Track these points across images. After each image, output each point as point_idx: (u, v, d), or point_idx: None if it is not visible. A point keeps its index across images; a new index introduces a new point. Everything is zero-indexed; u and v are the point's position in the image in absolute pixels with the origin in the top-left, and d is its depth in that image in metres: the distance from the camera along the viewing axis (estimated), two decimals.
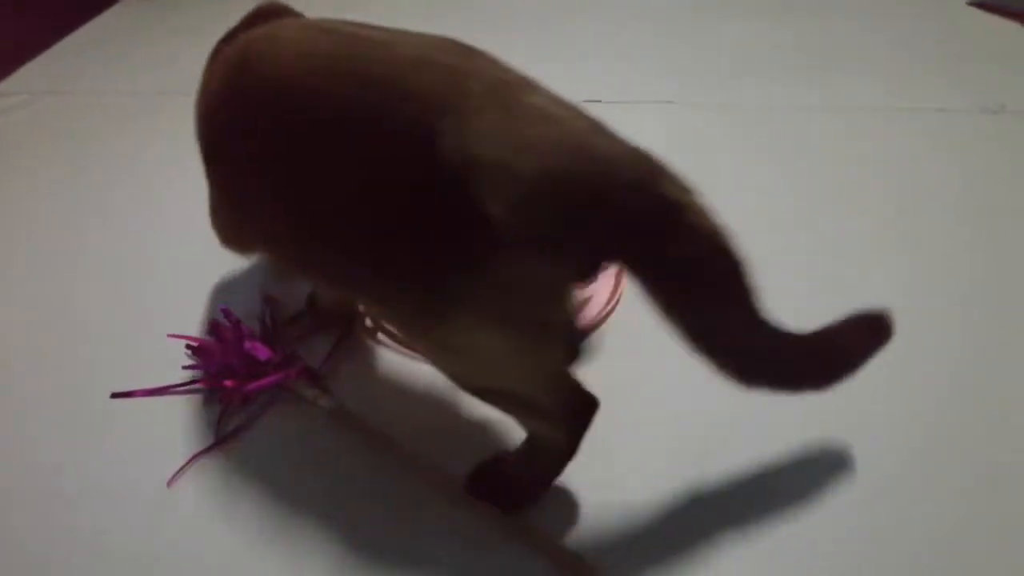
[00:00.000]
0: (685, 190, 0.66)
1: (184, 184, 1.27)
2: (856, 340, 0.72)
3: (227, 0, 1.19)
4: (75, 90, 1.65)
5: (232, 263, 1.10)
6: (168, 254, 1.15)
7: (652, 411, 0.88)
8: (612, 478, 0.80)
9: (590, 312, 0.98)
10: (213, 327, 0.95)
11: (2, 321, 1.06)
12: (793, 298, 1.02)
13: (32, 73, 1.76)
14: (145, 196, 1.29)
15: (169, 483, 0.81)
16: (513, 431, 0.80)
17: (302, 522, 0.77)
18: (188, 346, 0.93)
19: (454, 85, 0.62)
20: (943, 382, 0.90)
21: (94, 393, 0.91)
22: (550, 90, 0.67)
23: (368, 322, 0.98)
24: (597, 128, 0.66)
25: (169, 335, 0.95)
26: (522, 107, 0.63)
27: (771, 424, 0.84)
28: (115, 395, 0.90)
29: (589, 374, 0.90)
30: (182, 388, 0.90)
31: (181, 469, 0.82)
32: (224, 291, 1.05)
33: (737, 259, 0.66)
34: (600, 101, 1.52)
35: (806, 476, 0.80)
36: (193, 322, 0.99)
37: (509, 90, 0.64)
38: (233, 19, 0.86)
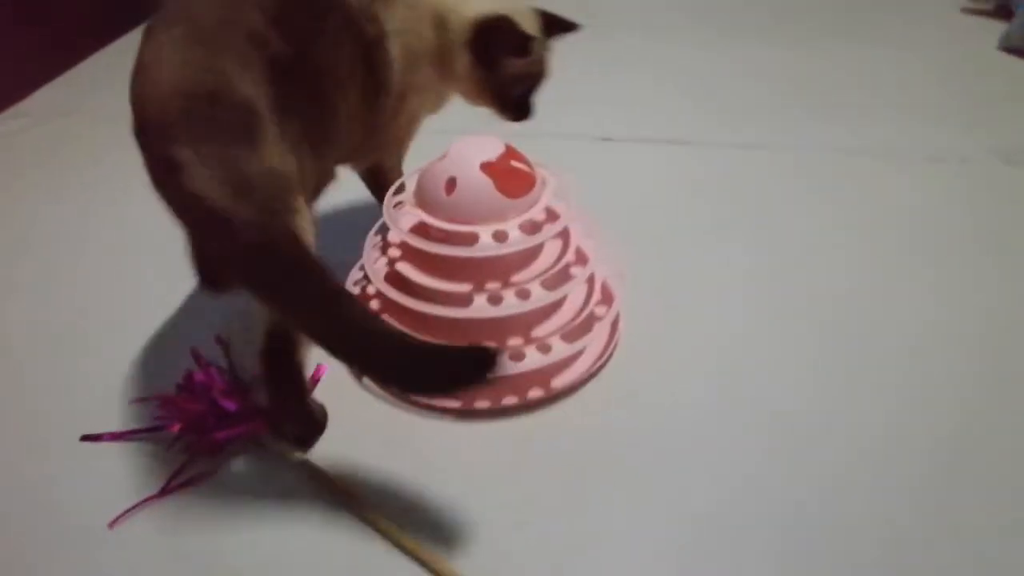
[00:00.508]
0: None
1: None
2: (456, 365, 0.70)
3: None
4: (87, 113, 1.65)
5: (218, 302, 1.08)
6: (155, 286, 1.12)
7: (647, 470, 0.84)
8: (596, 534, 0.76)
9: (581, 365, 0.94)
10: (184, 376, 0.91)
11: None
12: (803, 340, 0.99)
13: (48, 95, 1.77)
14: (142, 222, 1.27)
15: (111, 524, 0.78)
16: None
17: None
18: (166, 397, 0.90)
19: None
20: (956, 428, 0.87)
21: (68, 432, 0.88)
22: None
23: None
24: None
25: (136, 400, 0.92)
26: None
27: (762, 490, 0.79)
28: (84, 437, 0.87)
29: (577, 430, 0.87)
30: (150, 432, 0.87)
31: (126, 512, 0.79)
32: (202, 327, 1.02)
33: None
34: (612, 139, 1.50)
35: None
36: (171, 362, 0.96)
37: None
38: None
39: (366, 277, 0.94)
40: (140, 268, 1.17)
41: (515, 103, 1.02)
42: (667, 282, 1.11)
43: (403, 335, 0.72)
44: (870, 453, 0.85)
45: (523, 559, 0.75)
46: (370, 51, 0.90)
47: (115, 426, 0.88)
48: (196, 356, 0.94)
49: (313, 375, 0.94)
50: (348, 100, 0.88)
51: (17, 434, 0.91)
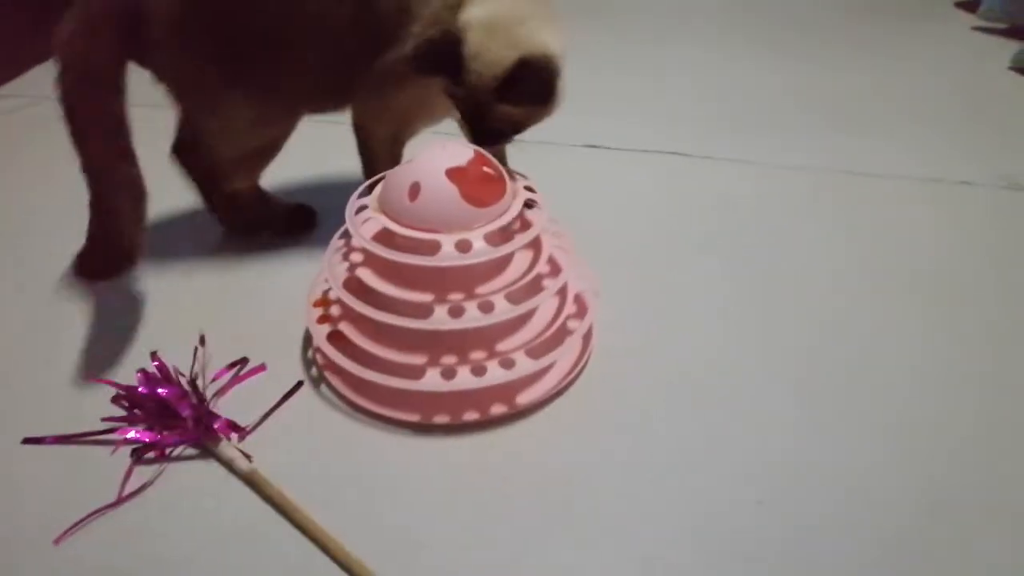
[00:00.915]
0: None
1: (164, 205, 1.26)
2: None
3: None
4: None
5: (181, 300, 1.06)
6: (125, 284, 1.08)
7: (609, 499, 0.80)
8: (546, 564, 0.73)
9: (549, 381, 0.90)
10: (140, 375, 0.89)
11: None
12: (787, 366, 0.96)
13: (41, 76, 1.73)
14: None
15: (56, 541, 0.74)
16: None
17: None
18: (116, 396, 0.88)
19: None
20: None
21: (9, 434, 0.85)
22: None
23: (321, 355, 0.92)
24: None
25: (90, 378, 0.89)
26: None
27: (730, 530, 0.75)
28: (26, 440, 0.84)
29: (540, 449, 0.84)
30: (95, 437, 0.84)
31: (74, 526, 0.75)
32: (162, 330, 0.99)
33: None
34: (602, 147, 1.46)
35: None
36: (125, 364, 0.93)
37: None
38: None
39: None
40: None
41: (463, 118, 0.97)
42: (646, 298, 1.07)
43: None
44: (855, 491, 0.80)
45: None
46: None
47: (59, 429, 0.85)
48: (154, 356, 0.92)
49: (249, 372, 0.93)
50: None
51: None
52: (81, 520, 0.76)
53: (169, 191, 1.28)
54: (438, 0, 0.94)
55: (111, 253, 0.96)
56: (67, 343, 0.98)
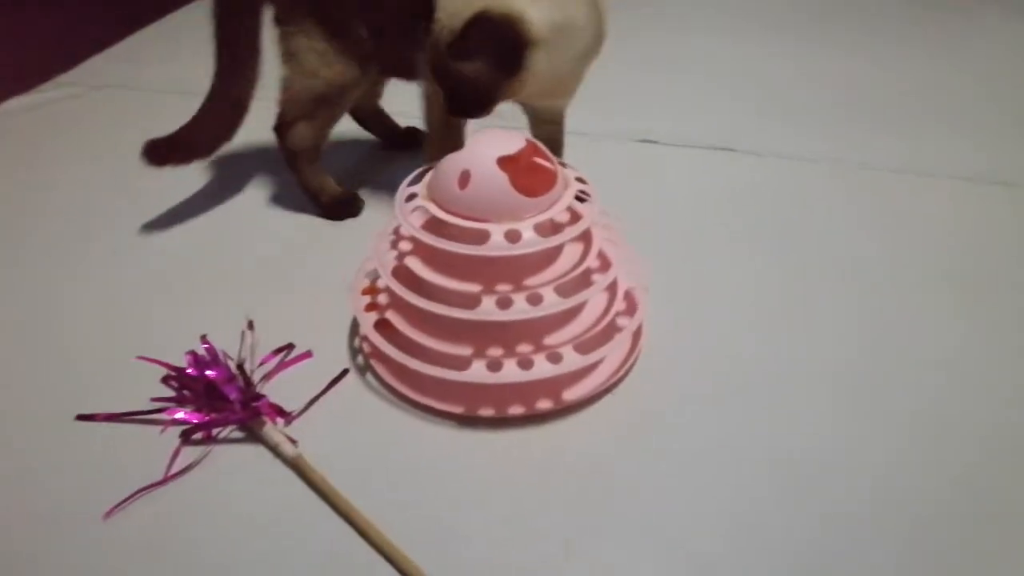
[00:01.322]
0: None
1: (217, 192, 1.28)
2: None
3: None
4: (133, 85, 1.65)
5: (230, 284, 1.07)
6: (177, 267, 1.11)
7: (653, 499, 0.78)
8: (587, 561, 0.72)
9: (596, 378, 0.88)
10: (189, 357, 0.90)
11: None
12: (837, 368, 0.94)
13: (96, 66, 1.77)
14: (166, 201, 1.27)
15: (105, 516, 0.75)
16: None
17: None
18: (166, 377, 0.89)
19: None
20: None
21: (62, 410, 0.86)
22: None
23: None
24: None
25: (139, 357, 0.90)
26: None
27: (775, 534, 0.73)
28: (79, 417, 0.86)
29: (585, 446, 0.83)
30: (144, 416, 0.85)
31: (122, 503, 0.76)
32: (210, 314, 1.00)
33: None
34: (656, 142, 1.43)
35: None
36: (174, 346, 0.93)
37: None
38: None
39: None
40: (168, 246, 1.16)
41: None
42: (696, 295, 1.04)
43: None
44: (902, 491, 0.78)
45: None
46: None
47: (111, 407, 0.86)
48: (204, 339, 0.93)
49: (296, 358, 0.93)
50: None
51: (10, 410, 0.89)
52: (129, 497, 0.77)
53: (223, 183, 1.31)
54: None
55: (190, 144, 1.16)
56: (121, 323, 1.00)
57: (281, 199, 1.26)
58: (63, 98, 1.61)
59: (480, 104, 0.95)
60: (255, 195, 1.27)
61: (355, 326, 0.96)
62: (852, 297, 1.05)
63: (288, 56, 1.12)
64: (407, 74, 1.12)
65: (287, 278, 1.08)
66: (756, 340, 0.97)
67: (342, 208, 1.22)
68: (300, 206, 1.23)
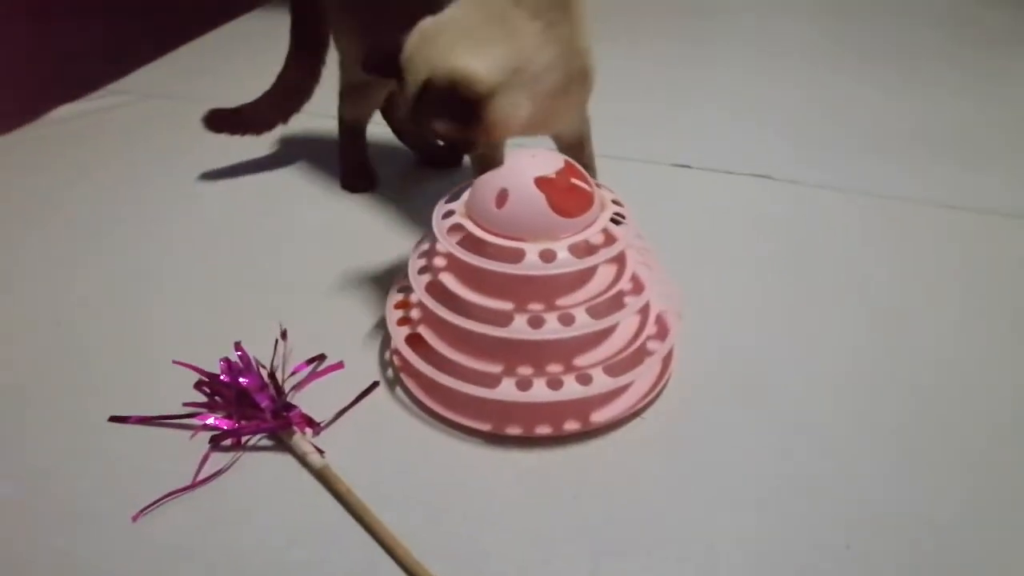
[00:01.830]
0: None
1: (261, 201, 1.31)
2: None
3: None
4: (182, 96, 1.68)
5: (265, 293, 1.08)
6: (215, 274, 1.13)
7: (681, 528, 0.77)
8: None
9: (625, 401, 0.88)
10: (223, 364, 0.91)
11: (22, 316, 1.05)
12: (887, 394, 0.92)
13: (147, 76, 1.82)
14: (210, 208, 1.29)
15: (134, 518, 0.76)
16: None
17: None
18: (199, 382, 0.90)
19: None
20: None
21: (96, 411, 0.88)
22: None
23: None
24: None
25: (174, 361, 0.91)
26: None
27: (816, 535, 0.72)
28: (112, 418, 0.87)
29: (612, 470, 0.82)
30: (176, 420, 0.87)
31: (150, 505, 0.77)
32: (247, 321, 1.01)
33: None
34: (690, 167, 1.43)
35: None
36: (211, 352, 0.95)
37: None
38: None
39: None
40: (210, 253, 1.18)
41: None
42: (732, 323, 1.03)
43: None
44: (947, 550, 0.75)
45: None
46: None
47: (143, 410, 0.88)
48: (238, 346, 0.93)
49: (327, 368, 0.94)
50: None
51: (47, 409, 0.91)
52: (158, 500, 0.78)
53: (268, 193, 1.33)
54: None
55: (247, 120, 1.31)
56: (157, 327, 1.02)
57: (323, 210, 1.28)
58: (113, 106, 1.64)
59: (457, 155, 0.97)
60: (296, 206, 1.29)
61: (387, 339, 0.97)
62: (885, 329, 1.03)
63: (339, 54, 1.24)
64: None
65: (323, 288, 1.09)
66: (787, 369, 0.96)
67: (354, 180, 1.33)
68: (341, 215, 1.25)
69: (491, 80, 0.84)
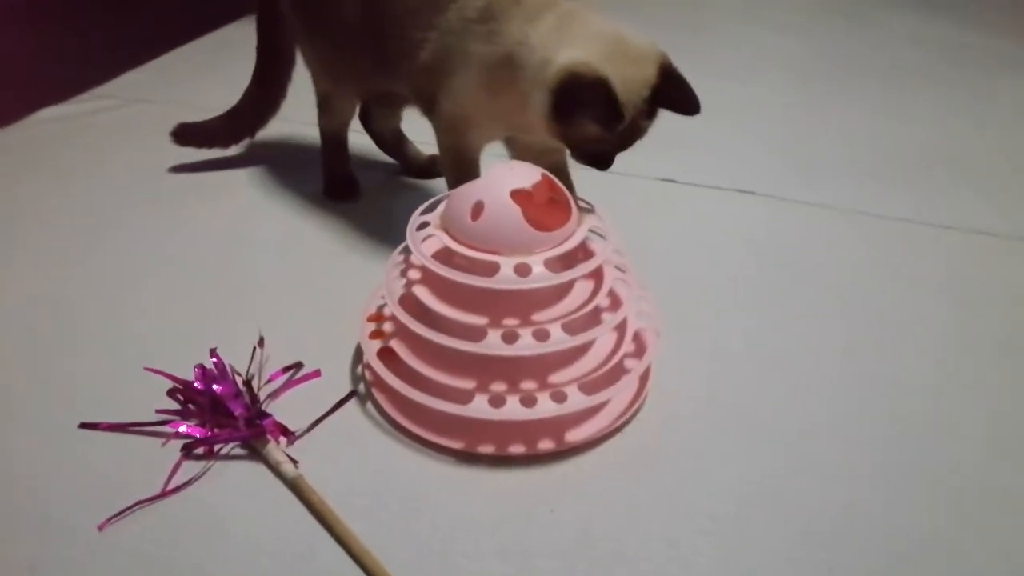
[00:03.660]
0: None
1: (238, 207, 1.30)
2: None
3: None
4: (165, 101, 1.68)
5: (243, 300, 1.07)
6: (195, 281, 1.12)
7: (665, 541, 0.77)
8: None
9: (602, 420, 0.87)
10: (197, 371, 0.90)
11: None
12: (866, 411, 0.93)
13: (131, 80, 1.81)
14: (187, 213, 1.29)
15: (101, 527, 0.75)
16: None
17: None
18: (171, 389, 0.90)
19: None
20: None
21: (66, 417, 0.87)
22: None
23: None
24: None
25: (145, 368, 0.91)
26: None
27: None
28: (82, 425, 0.86)
29: (587, 490, 0.81)
30: (148, 428, 0.86)
31: (118, 514, 0.76)
32: (224, 328, 1.00)
33: None
34: (675, 181, 1.43)
35: None
36: (185, 358, 0.94)
37: None
38: None
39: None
40: (188, 257, 1.17)
41: (589, 156, 0.97)
42: (709, 340, 1.03)
43: None
44: (925, 543, 0.76)
45: None
46: None
47: (115, 417, 0.87)
48: (213, 353, 0.93)
49: (304, 376, 0.93)
50: None
51: (16, 415, 0.90)
52: (126, 508, 0.77)
53: (245, 199, 1.33)
54: (453, 12, 0.99)
55: (214, 133, 1.36)
56: (133, 332, 1.01)
57: (305, 218, 1.28)
58: (96, 110, 1.64)
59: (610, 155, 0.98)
60: (277, 213, 1.29)
61: (360, 352, 0.97)
62: (865, 343, 1.03)
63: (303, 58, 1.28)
64: (387, 103, 1.26)
65: (303, 295, 1.09)
66: (768, 389, 0.96)
67: (336, 189, 1.33)
68: (322, 225, 1.24)
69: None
